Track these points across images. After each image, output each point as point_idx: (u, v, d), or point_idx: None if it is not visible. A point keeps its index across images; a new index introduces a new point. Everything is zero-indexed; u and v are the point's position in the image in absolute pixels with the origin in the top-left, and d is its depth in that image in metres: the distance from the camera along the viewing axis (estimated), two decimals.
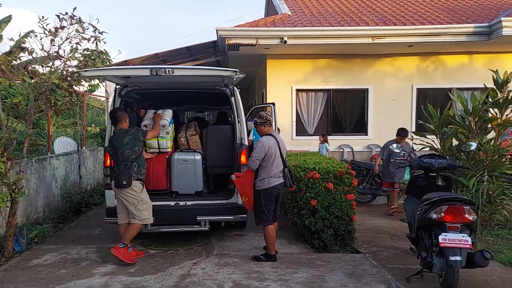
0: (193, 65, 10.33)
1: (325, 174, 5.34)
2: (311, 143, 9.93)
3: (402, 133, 7.51)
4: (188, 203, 5.53)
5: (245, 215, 5.55)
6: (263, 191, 4.78)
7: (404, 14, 9.73)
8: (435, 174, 4.65)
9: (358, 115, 10.38)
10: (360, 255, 5.05)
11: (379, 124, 10.07)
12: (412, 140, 6.66)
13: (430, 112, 6.01)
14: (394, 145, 5.94)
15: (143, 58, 10.88)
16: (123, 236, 4.86)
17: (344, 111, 10.47)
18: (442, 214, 3.72)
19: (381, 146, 9.35)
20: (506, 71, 5.60)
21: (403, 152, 7.39)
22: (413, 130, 9.40)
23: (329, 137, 9.82)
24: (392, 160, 7.48)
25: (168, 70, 4.79)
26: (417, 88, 10.02)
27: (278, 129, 9.03)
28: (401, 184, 7.82)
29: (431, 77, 9.97)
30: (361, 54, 9.90)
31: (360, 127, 10.35)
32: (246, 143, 5.93)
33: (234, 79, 5.40)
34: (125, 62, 10.40)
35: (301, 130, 10.35)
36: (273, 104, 7.83)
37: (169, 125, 5.66)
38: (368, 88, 10.15)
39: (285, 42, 8.82)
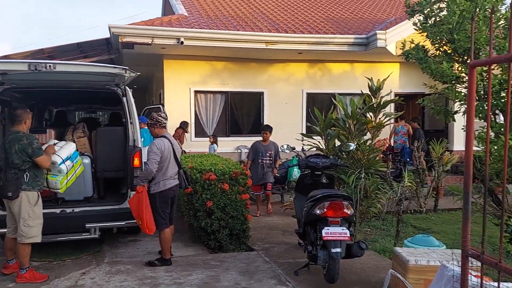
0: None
1: (221, 175, 5.44)
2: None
3: (266, 128, 7.61)
4: (76, 209, 5.18)
5: None
6: (158, 194, 4.71)
7: (294, 22, 10.34)
8: (320, 172, 5.03)
9: (255, 117, 10.75)
10: (254, 253, 5.25)
11: (274, 125, 10.49)
12: (302, 141, 7.12)
13: (316, 115, 6.50)
14: (285, 146, 6.28)
15: (27, 54, 9.92)
16: (20, 261, 4.29)
17: (242, 113, 10.77)
18: (325, 209, 4.06)
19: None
20: (379, 79, 6.31)
21: (269, 152, 7.34)
22: (304, 131, 10.02)
23: (227, 138, 10.01)
24: (260, 161, 7.30)
25: (49, 65, 4.45)
26: (306, 93, 10.73)
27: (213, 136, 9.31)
28: (292, 182, 8.28)
29: (318, 83, 10.76)
30: (256, 58, 10.27)
31: (257, 129, 10.68)
32: (139, 145, 5.77)
33: (126, 78, 5.21)
34: (5, 57, 9.38)
35: (200, 131, 10.38)
36: (162, 105, 7.80)
37: (64, 162, 4.74)
38: (263, 92, 10.57)
39: (182, 43, 8.78)
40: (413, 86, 10.34)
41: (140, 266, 4.76)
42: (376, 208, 5.92)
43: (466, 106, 4.22)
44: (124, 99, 5.64)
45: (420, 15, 4.39)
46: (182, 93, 10.10)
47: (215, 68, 10.32)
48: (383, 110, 6.29)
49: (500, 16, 3.82)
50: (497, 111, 4.04)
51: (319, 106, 10.56)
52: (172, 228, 4.96)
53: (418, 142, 8.48)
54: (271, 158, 7.39)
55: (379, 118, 6.28)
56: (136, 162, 5.46)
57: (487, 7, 3.70)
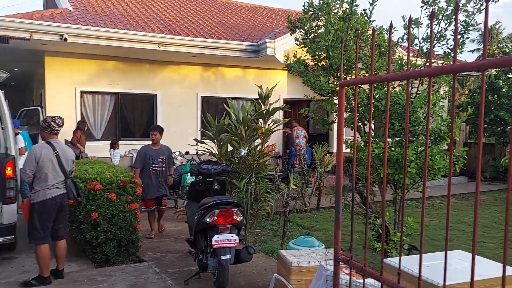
0: None
1: (108, 184, 5.17)
2: (98, 149, 9.44)
3: (155, 128, 6.48)
4: None
5: (12, 236, 4.91)
6: (37, 204, 4.31)
7: (188, 25, 10.28)
8: (212, 179, 5.09)
9: (147, 120, 10.41)
10: (143, 264, 5.10)
11: (167, 129, 10.30)
12: (196, 145, 7.11)
13: (209, 121, 6.57)
14: (177, 153, 6.23)
15: None
16: None
17: (133, 116, 10.36)
18: (215, 217, 4.12)
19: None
20: (267, 87, 6.60)
21: (161, 157, 6.25)
22: (199, 135, 10.03)
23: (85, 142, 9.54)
24: (151, 168, 6.13)
25: None
26: (201, 96, 10.75)
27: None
28: (186, 187, 8.24)
29: (213, 86, 10.86)
30: (149, 59, 9.97)
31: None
32: (13, 152, 5.22)
33: None
34: None
35: (88, 135, 9.71)
36: (40, 106, 7.13)
37: None
38: (156, 94, 10.31)
39: (66, 39, 8.13)
40: (300, 92, 10.97)
41: (15, 287, 4.31)
42: (266, 210, 6.20)
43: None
44: None
45: (301, 31, 4.71)
46: (66, 94, 9.36)
47: (104, 67, 9.77)
48: (272, 116, 6.61)
49: (368, 37, 4.30)
50: (366, 122, 4.54)
51: (213, 110, 10.71)
52: (64, 242, 4.60)
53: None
54: (164, 164, 6.27)
55: (268, 124, 6.58)
56: (9, 172, 4.93)
57: (357, 27, 4.14)
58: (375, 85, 4.12)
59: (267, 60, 10.01)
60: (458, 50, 4.50)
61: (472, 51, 32.27)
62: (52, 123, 4.47)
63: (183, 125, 10.28)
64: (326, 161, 8.92)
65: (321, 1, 4.32)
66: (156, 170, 6.21)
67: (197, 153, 7.94)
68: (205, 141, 6.87)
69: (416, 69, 2.05)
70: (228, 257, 3.99)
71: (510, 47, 15.29)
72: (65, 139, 9.33)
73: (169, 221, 7.33)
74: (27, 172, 4.26)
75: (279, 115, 10.08)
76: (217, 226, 4.13)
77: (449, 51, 4.44)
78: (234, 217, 4.20)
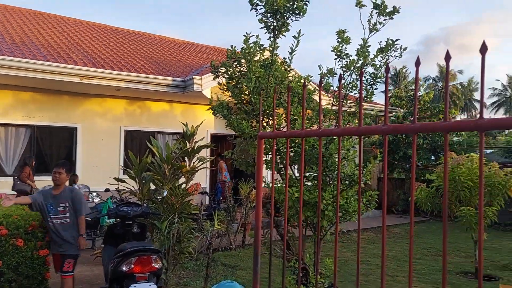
0: None
1: (15, 229, 4.73)
2: (10, 185, 8.69)
3: (61, 165, 5.02)
4: None
5: None
6: None
7: (113, 58, 10.05)
8: (131, 222, 4.88)
9: (66, 154, 9.83)
10: None
11: (88, 164, 9.84)
12: (117, 184, 6.80)
13: (131, 159, 6.35)
14: (94, 194, 5.92)
15: None
16: None
17: (51, 150, 9.73)
18: (132, 265, 3.93)
19: (88, 186, 9.17)
20: (193, 125, 6.57)
21: (63, 204, 4.82)
22: (121, 172, 9.64)
23: (34, 177, 8.86)
24: (49, 220, 4.71)
25: None
26: (125, 130, 10.42)
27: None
28: (105, 227, 7.81)
29: (138, 120, 10.60)
30: (69, 91, 9.52)
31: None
32: None
33: None
34: None
35: None
36: None
37: None
38: (77, 127, 9.81)
39: None
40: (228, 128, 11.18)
41: None
42: (189, 252, 6.04)
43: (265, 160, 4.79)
44: None
45: (224, 75, 4.82)
46: None
47: (20, 98, 9.16)
48: (197, 154, 6.56)
49: (288, 84, 4.53)
50: (289, 166, 4.66)
51: (138, 144, 10.43)
52: None
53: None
54: (68, 214, 4.76)
55: (193, 162, 6.51)
56: None
57: (277, 75, 4.35)
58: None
59: (195, 96, 10.05)
60: (368, 97, 4.87)
61: (384, 91, 35.46)
62: None
63: (105, 160, 9.85)
64: (252, 197, 8.99)
65: (243, 50, 4.48)
66: (55, 223, 4.70)
67: (118, 190, 7.61)
68: (125, 180, 6.61)
69: (327, 128, 2.23)
70: None
71: (412, 88, 17.09)
72: (13, 177, 8.56)
73: (86, 264, 6.86)
74: None
75: (205, 152, 10.04)
76: (134, 274, 3.94)
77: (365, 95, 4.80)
78: (153, 264, 4.04)
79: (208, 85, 9.57)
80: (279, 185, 4.22)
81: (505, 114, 54.27)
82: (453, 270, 7.80)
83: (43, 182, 9.24)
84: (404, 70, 44.14)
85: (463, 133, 14.96)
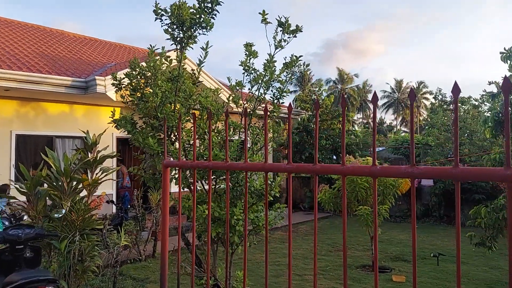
0: None
1: None
2: None
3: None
4: None
5: None
6: None
7: (0, 54, 8.95)
8: (22, 246, 4.39)
9: None
10: None
11: None
12: (8, 201, 6.09)
13: (23, 173, 5.72)
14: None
15: None
16: None
17: None
18: None
19: None
20: (94, 134, 6.12)
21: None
22: (13, 179, 8.68)
23: None
24: None
25: None
26: (16, 134, 9.37)
27: None
28: None
29: (32, 124, 9.60)
30: None
31: None
32: None
33: None
34: None
35: None
36: None
37: None
38: None
39: None
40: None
41: None
42: (92, 270, 5.65)
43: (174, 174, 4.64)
44: None
45: (127, 88, 4.54)
46: None
47: None
48: (100, 165, 6.13)
49: (196, 98, 4.43)
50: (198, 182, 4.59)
51: (33, 149, 9.47)
52: None
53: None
54: None
55: (96, 174, 6.08)
56: None
57: (185, 89, 4.22)
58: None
59: (98, 97, 9.39)
60: (276, 111, 4.98)
61: (291, 92, 37.36)
62: None
63: None
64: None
65: (148, 63, 4.27)
66: None
67: (8, 203, 6.82)
68: (14, 197, 5.96)
69: (234, 162, 2.21)
70: None
71: (316, 90, 18.10)
72: None
73: None
74: None
75: (111, 162, 9.43)
76: None
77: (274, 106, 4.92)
78: None
79: (112, 86, 8.98)
80: (189, 202, 4.12)
81: (393, 114, 60.31)
82: (353, 265, 8.41)
83: None
84: (308, 73, 46.60)
85: (359, 134, 16.18)
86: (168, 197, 2.61)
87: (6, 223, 7.04)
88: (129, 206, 9.02)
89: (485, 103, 17.38)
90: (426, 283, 7.25)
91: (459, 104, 18.32)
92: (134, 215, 8.57)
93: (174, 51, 4.49)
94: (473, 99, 18.45)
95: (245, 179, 2.12)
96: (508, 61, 6.45)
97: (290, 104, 1.98)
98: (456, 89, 1.30)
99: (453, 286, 6.98)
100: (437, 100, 21.96)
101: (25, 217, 6.73)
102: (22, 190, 5.64)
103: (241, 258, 7.05)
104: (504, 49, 6.50)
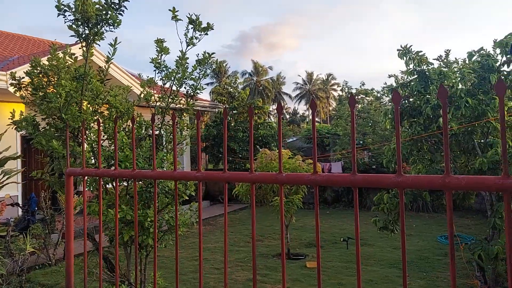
0: None
1: None
2: None
3: None
4: None
5: None
6: None
7: None
8: None
9: None
10: None
11: None
12: None
13: None
14: None
15: None
16: None
17: None
18: None
19: None
20: None
21: None
22: None
23: None
24: None
25: None
26: None
27: None
28: None
29: None
30: None
31: None
32: None
33: None
34: None
35: None
36: None
37: None
38: None
39: None
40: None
41: None
42: None
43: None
44: None
45: (27, 88, 4.20)
46: None
47: None
48: (1, 167, 5.62)
49: (104, 98, 4.24)
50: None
51: None
52: None
53: None
54: None
55: None
56: None
57: (92, 88, 4.02)
58: None
59: (0, 93, 8.51)
60: (190, 108, 4.98)
61: (207, 84, 37.97)
62: None
63: None
64: (74, 203, 8.26)
65: (50, 61, 3.98)
66: None
67: None
68: None
69: (142, 170, 2.18)
70: None
71: (232, 82, 18.29)
72: None
73: None
74: None
75: (16, 164, 8.61)
76: None
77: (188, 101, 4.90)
78: None
79: (11, 86, 8.16)
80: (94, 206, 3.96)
81: (305, 105, 63.19)
82: (270, 254, 8.76)
83: None
84: (224, 64, 46.94)
85: (274, 125, 16.69)
86: (72, 206, 2.51)
87: None
88: (36, 208, 8.37)
89: (385, 95, 18.92)
90: (337, 267, 7.78)
91: (363, 96, 19.80)
92: (42, 217, 7.99)
93: (80, 49, 4.24)
94: (376, 91, 20.00)
95: (154, 188, 2.13)
96: (404, 58, 7.10)
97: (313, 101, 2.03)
98: (352, 100, 1.44)
99: (362, 268, 7.60)
100: (344, 92, 23.42)
101: None
102: None
103: (159, 257, 6.98)
104: (401, 46, 7.14)
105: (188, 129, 5.13)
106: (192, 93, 4.86)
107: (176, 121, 2.01)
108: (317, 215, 1.53)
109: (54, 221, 8.38)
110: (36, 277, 6.69)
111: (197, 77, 4.82)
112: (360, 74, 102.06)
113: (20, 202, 9.55)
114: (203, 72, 4.78)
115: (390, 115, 7.46)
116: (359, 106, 18.39)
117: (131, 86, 5.14)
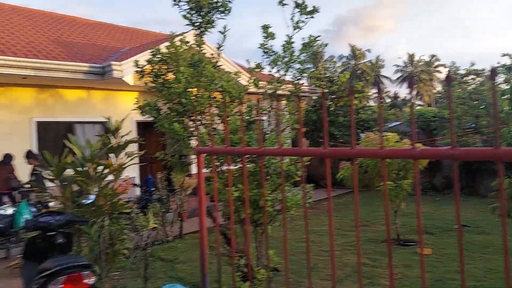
0: None
1: None
2: None
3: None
4: None
5: None
6: None
7: (16, 42, 8.94)
8: (54, 232, 4.45)
9: None
10: None
11: None
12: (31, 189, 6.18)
13: (47, 159, 5.76)
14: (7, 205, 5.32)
15: None
16: None
17: None
18: (61, 286, 3.59)
19: None
20: (117, 120, 6.11)
21: None
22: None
23: None
24: None
25: None
26: (37, 121, 9.43)
27: None
28: (20, 234, 7.10)
29: (51, 110, 9.64)
30: None
31: None
32: None
33: None
34: None
35: None
36: None
37: None
38: None
39: None
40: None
41: None
42: (123, 253, 5.74)
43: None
44: None
45: (150, 75, 4.48)
46: None
47: None
48: (123, 150, 6.14)
49: (218, 83, 4.37)
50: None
51: (53, 136, 9.54)
52: None
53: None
54: None
55: (121, 158, 6.10)
56: None
57: (207, 73, 4.15)
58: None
59: (115, 82, 9.37)
60: (297, 90, 4.90)
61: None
62: None
63: (14, 154, 8.84)
64: (186, 185, 8.83)
65: (169, 48, 4.19)
66: None
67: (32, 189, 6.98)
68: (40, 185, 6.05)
69: (269, 148, 2.16)
70: None
71: (331, 66, 17.87)
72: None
73: (0, 278, 6.23)
74: None
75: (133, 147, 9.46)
76: None
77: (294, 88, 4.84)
78: (85, 281, 3.72)
79: (129, 71, 8.94)
80: (217, 185, 4.10)
81: (407, 88, 59.37)
82: (378, 239, 8.40)
83: None
84: (321, 50, 45.91)
85: (376, 109, 15.92)
86: (203, 182, 2.56)
87: (33, 209, 7.20)
88: (152, 189, 9.10)
89: (500, 74, 17.06)
90: (452, 254, 7.21)
91: (473, 76, 18.02)
92: (158, 197, 8.65)
93: (194, 36, 4.42)
94: (487, 70, 18.04)
95: (281, 165, 2.04)
96: None
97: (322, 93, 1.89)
98: (448, 79, 1.28)
99: (479, 257, 6.94)
100: (451, 73, 21.45)
101: (51, 203, 6.87)
102: (49, 177, 5.70)
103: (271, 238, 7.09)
104: None
105: (293, 113, 5.08)
106: (299, 77, 4.77)
107: (282, 105, 1.91)
108: (456, 196, 1.34)
109: (169, 201, 9.02)
110: (156, 252, 7.25)
111: (303, 60, 4.73)
112: (469, 54, 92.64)
113: (137, 183, 10.47)
114: (309, 54, 4.67)
115: (508, 95, 6.61)
116: (470, 87, 16.76)
117: (241, 72, 5.22)
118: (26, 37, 9.61)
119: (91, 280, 3.78)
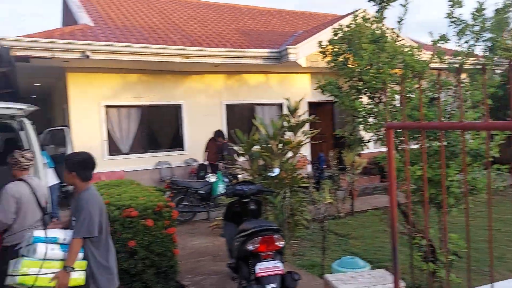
0: None
1: (143, 210, 4.96)
2: (127, 162, 9.62)
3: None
4: None
5: None
6: (12, 247, 3.72)
7: (208, 34, 10.29)
8: (248, 199, 5.10)
9: (173, 131, 10.50)
10: None
11: (194, 139, 10.41)
12: (224, 162, 7.14)
13: (238, 137, 6.56)
14: (210, 174, 6.26)
15: None
16: None
17: (160, 127, 10.46)
18: (257, 245, 4.13)
19: (197, 160, 9.81)
20: (296, 101, 6.55)
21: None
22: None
23: (145, 155, 9.65)
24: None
25: None
26: (225, 104, 10.75)
27: None
28: (217, 199, 8.26)
29: (237, 94, 10.85)
30: (172, 70, 10.01)
31: (177, 143, 10.50)
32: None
33: (23, 114, 4.71)
34: None
35: (114, 149, 9.84)
36: (67, 126, 7.08)
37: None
38: (181, 104, 10.36)
39: (88, 56, 8.19)
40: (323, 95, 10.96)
41: None
42: (302, 224, 6.21)
43: (377, 135, 4.63)
44: (22, 133, 4.92)
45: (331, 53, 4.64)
46: (91, 109, 9.38)
47: (128, 80, 9.85)
48: (301, 128, 6.57)
49: (400, 59, 4.23)
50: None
51: (238, 117, 10.73)
52: None
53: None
54: None
55: (298, 137, 6.55)
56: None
57: (390, 49, 4.07)
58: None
59: (289, 65, 9.95)
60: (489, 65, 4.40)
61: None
62: (21, 159, 3.99)
63: (208, 133, 10.28)
64: (356, 164, 8.89)
65: (351, 26, 4.26)
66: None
67: (224, 164, 8.02)
68: (232, 159, 6.93)
69: (470, 122, 2.05)
70: (274, 285, 3.98)
71: None
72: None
73: (204, 236, 7.40)
74: (7, 212, 3.79)
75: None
76: (259, 253, 4.13)
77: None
78: (276, 243, 4.19)
79: (302, 54, 9.37)
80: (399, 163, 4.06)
81: None
82: None
83: (155, 158, 10.07)
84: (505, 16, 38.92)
85: None
86: (393, 159, 2.58)
87: (226, 180, 8.30)
88: (324, 166, 9.46)
89: None
90: None
91: None
92: (329, 174, 8.95)
93: (375, 12, 4.37)
94: None
95: (462, 140, 1.93)
96: None
97: None
98: None
99: None
100: None
101: (240, 176, 7.81)
102: (240, 151, 6.52)
103: (450, 222, 6.65)
104: None
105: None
106: (491, 47, 4.26)
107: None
108: None
109: (340, 178, 9.23)
110: (329, 226, 7.54)
111: (497, 29, 4.20)
112: None
113: (310, 160, 10.98)
114: (504, 22, 4.11)
115: None
116: None
117: (422, 46, 4.95)
118: (216, 29, 10.96)
119: (281, 243, 4.24)
